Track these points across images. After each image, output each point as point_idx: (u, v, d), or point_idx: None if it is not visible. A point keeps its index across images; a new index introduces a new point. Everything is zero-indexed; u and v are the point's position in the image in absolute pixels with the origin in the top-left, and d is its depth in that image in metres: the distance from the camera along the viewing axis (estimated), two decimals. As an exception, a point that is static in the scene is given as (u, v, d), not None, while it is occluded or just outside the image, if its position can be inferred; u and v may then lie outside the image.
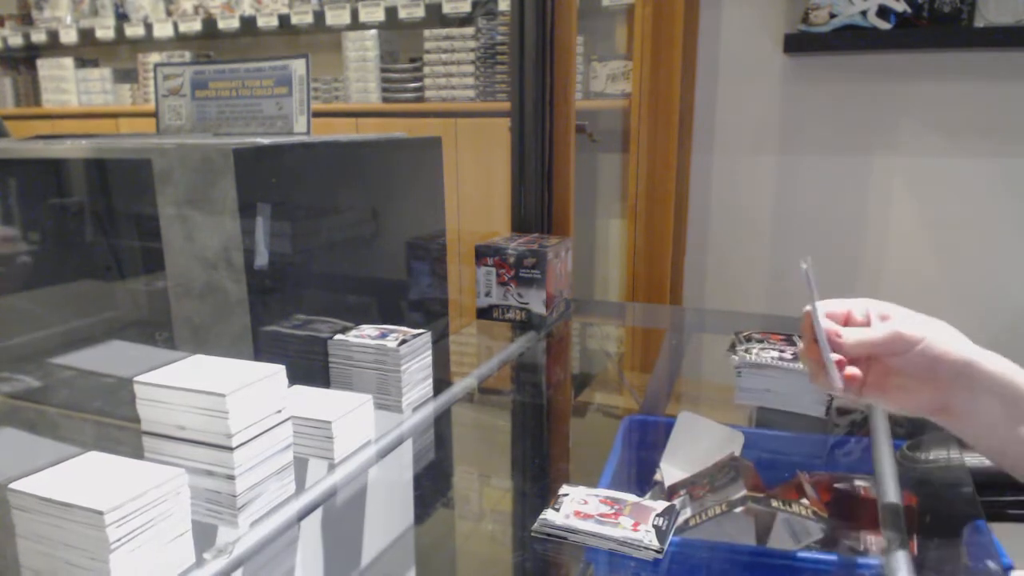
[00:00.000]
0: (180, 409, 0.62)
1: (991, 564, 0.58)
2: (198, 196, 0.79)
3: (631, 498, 0.67)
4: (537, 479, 0.82)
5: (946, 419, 0.62)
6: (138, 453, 0.65)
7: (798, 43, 2.03)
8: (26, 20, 3.46)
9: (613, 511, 0.65)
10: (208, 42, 3.15)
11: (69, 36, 3.30)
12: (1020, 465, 0.61)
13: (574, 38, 1.43)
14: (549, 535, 0.64)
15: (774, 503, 0.67)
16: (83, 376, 0.97)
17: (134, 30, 3.14)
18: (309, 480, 0.73)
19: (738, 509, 0.67)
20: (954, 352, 0.60)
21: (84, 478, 0.53)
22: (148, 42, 3.19)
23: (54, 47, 3.41)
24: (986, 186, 2.00)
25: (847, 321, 0.65)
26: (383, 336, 0.89)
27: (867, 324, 0.64)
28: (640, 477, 0.85)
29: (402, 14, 2.60)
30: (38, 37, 3.38)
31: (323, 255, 0.94)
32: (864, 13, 1.93)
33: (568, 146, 1.45)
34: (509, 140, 1.44)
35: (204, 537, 0.61)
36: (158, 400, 0.63)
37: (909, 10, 1.90)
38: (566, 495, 0.68)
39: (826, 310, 0.65)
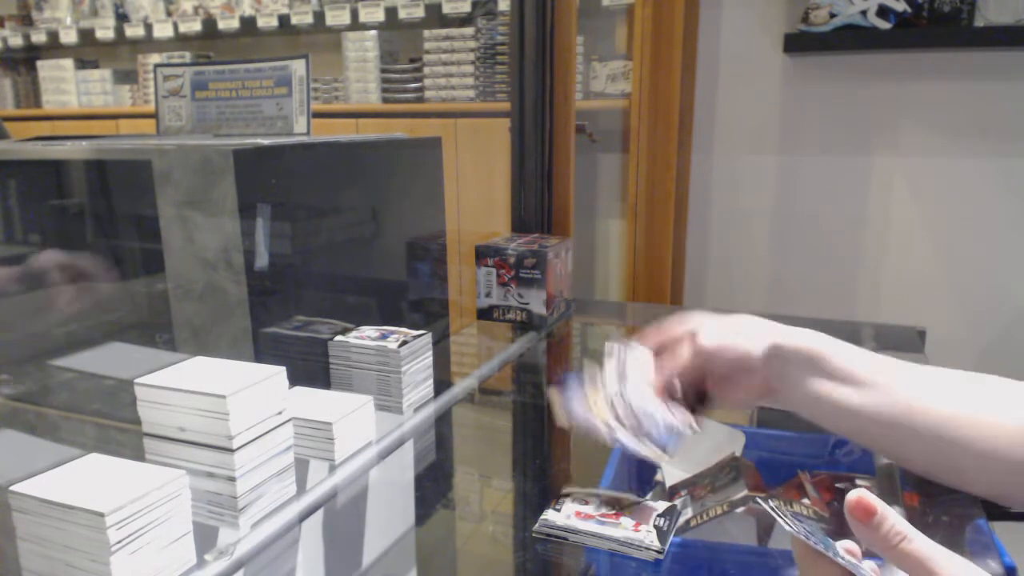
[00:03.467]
0: (181, 411, 0.62)
1: (992, 564, 0.58)
2: (198, 197, 0.79)
3: (632, 498, 0.67)
4: (538, 480, 0.82)
5: (775, 399, 0.68)
6: (139, 455, 0.65)
7: (798, 43, 2.03)
8: (26, 21, 3.46)
9: (614, 511, 0.65)
10: (208, 42, 3.16)
11: (69, 37, 3.30)
12: (855, 435, 0.66)
13: (574, 38, 1.43)
14: (550, 536, 0.63)
15: (775, 503, 0.67)
16: (84, 378, 0.97)
17: (134, 31, 3.14)
18: (310, 481, 0.73)
19: (739, 509, 0.67)
20: (757, 343, 0.66)
21: (85, 480, 0.53)
22: (148, 43, 3.19)
23: (54, 48, 3.41)
24: (986, 186, 2.00)
25: (662, 347, 0.72)
26: (383, 337, 0.89)
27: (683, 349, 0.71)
28: (641, 477, 0.85)
29: (402, 14, 2.60)
30: (38, 38, 3.38)
31: (323, 256, 0.94)
32: (864, 13, 1.93)
33: (568, 146, 1.45)
34: (509, 140, 1.44)
35: (205, 538, 0.61)
36: (159, 402, 0.63)
37: (909, 10, 1.90)
38: (567, 495, 0.68)
39: (643, 347, 0.72)
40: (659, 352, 0.72)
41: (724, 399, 0.70)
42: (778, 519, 0.49)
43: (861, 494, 0.44)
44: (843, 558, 0.45)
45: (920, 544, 0.42)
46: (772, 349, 0.65)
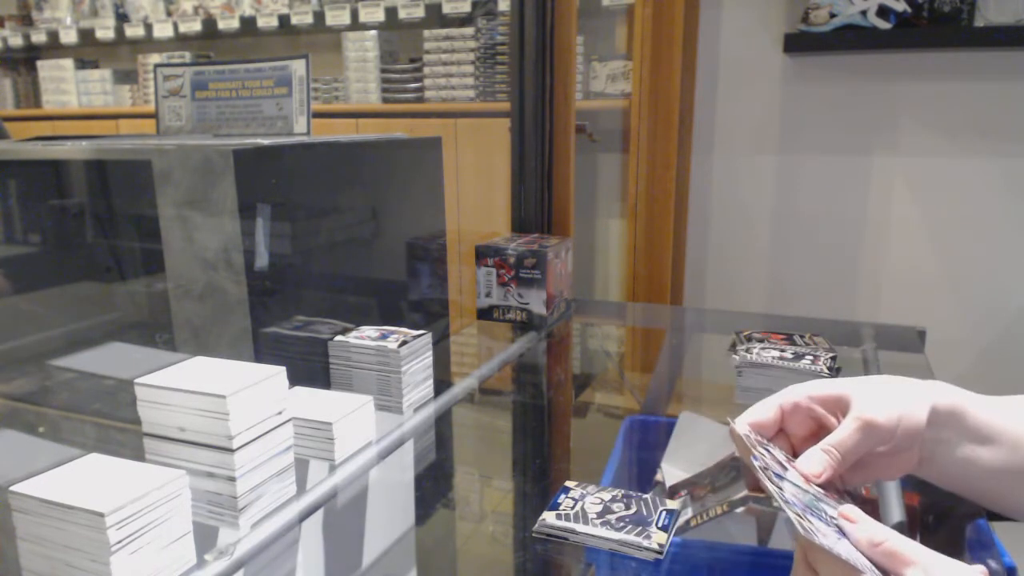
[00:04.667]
0: (181, 411, 0.62)
1: (992, 563, 0.58)
2: (198, 197, 0.79)
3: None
4: (538, 480, 0.82)
5: (927, 471, 0.59)
6: (139, 455, 0.65)
7: (798, 43, 2.03)
8: (26, 21, 3.46)
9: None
10: (208, 42, 3.16)
11: (69, 37, 3.30)
12: (1001, 500, 0.59)
13: (574, 38, 1.43)
14: (550, 535, 0.63)
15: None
16: (84, 378, 0.97)
17: (134, 31, 3.14)
18: (310, 481, 0.73)
19: (739, 509, 0.67)
20: (920, 409, 0.55)
21: (85, 480, 0.53)
22: (148, 43, 3.19)
23: (54, 48, 3.41)
24: (986, 186, 2.00)
25: (781, 430, 0.57)
26: (383, 337, 0.89)
27: (812, 432, 0.57)
28: (641, 477, 0.85)
29: (402, 14, 2.60)
30: (38, 38, 3.38)
31: (323, 256, 0.94)
32: (864, 13, 1.93)
33: (568, 146, 1.45)
34: (509, 140, 1.44)
35: (205, 538, 0.61)
36: (159, 402, 0.63)
37: (909, 10, 1.90)
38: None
39: (750, 419, 0.56)
40: (785, 427, 0.57)
41: (867, 478, 0.58)
42: (762, 478, 0.48)
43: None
44: (821, 519, 0.46)
45: (895, 545, 0.44)
46: (932, 415, 0.56)
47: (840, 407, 0.56)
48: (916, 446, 0.56)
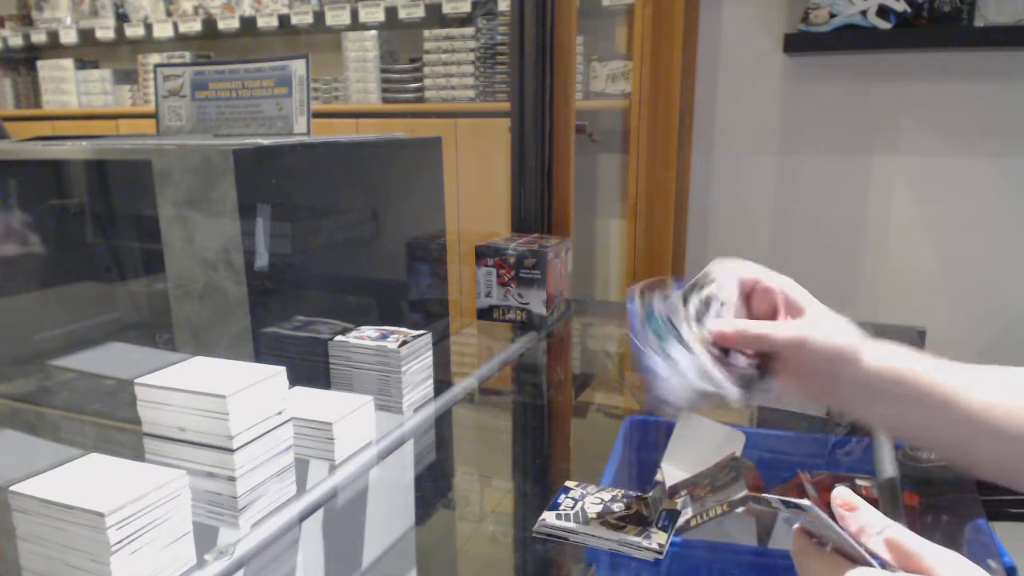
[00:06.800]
0: (181, 411, 0.62)
1: (992, 563, 0.58)
2: (198, 197, 0.79)
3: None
4: (538, 480, 0.82)
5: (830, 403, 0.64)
6: (139, 455, 0.65)
7: (798, 43, 2.03)
8: (26, 21, 3.45)
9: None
10: (208, 42, 3.15)
11: (69, 37, 3.30)
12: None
13: (574, 38, 1.43)
14: (550, 536, 0.63)
15: (775, 503, 0.67)
16: (84, 378, 0.97)
17: (134, 31, 3.14)
18: (310, 481, 0.73)
19: (739, 509, 0.67)
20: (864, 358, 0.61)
21: (85, 480, 0.53)
22: (148, 43, 3.19)
23: (54, 48, 3.41)
24: (986, 186, 2.00)
25: (751, 298, 0.63)
26: (384, 337, 0.89)
27: (772, 315, 0.62)
28: (641, 477, 0.85)
29: (402, 14, 2.60)
30: (38, 38, 3.38)
31: (323, 256, 0.94)
32: (864, 13, 1.93)
33: (568, 146, 1.45)
34: (509, 140, 1.44)
35: (205, 538, 0.61)
36: (159, 402, 0.63)
37: (909, 10, 1.90)
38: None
39: (740, 275, 0.62)
40: (745, 300, 0.63)
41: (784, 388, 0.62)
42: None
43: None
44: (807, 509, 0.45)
45: (895, 533, 0.44)
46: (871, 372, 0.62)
47: (792, 309, 0.61)
48: (842, 383, 0.60)
